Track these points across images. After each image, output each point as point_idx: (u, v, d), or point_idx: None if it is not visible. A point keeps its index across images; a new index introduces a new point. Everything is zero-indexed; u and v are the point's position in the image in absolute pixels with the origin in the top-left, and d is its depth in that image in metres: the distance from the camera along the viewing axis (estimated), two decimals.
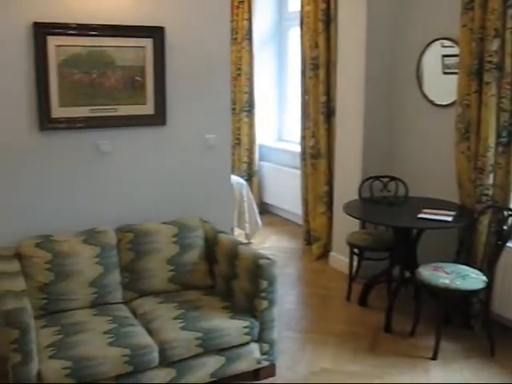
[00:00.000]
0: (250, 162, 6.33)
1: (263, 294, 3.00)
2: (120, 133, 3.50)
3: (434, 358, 3.30)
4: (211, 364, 2.91)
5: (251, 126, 6.27)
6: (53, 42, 3.23)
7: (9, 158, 3.23)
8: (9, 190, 3.25)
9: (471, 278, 3.30)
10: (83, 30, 3.31)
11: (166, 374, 2.80)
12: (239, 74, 6.19)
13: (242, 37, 6.10)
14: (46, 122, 3.27)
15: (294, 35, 5.83)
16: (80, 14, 3.28)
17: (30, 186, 3.29)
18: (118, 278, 3.21)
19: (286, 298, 4.12)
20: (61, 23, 3.22)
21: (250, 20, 6.04)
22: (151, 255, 3.28)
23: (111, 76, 3.44)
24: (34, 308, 2.86)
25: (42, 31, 3.18)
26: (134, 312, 3.10)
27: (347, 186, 4.40)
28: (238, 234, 5.19)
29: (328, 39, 4.74)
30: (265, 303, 3.01)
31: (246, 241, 5.20)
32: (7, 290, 2.68)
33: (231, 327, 2.94)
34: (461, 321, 3.65)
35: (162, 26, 3.49)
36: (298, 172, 5.32)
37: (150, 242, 3.29)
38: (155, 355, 2.74)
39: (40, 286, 3.00)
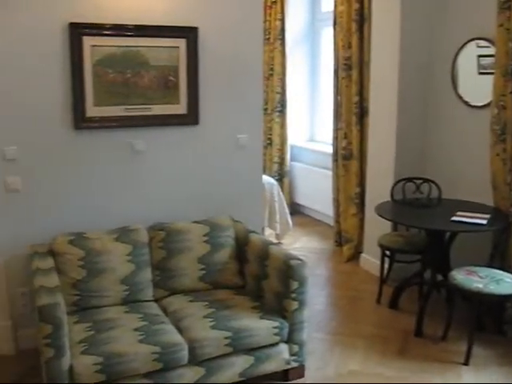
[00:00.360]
0: (282, 162, 6.33)
1: (293, 295, 3.00)
2: (153, 132, 3.54)
3: (466, 363, 3.24)
4: (240, 364, 2.91)
5: (283, 126, 6.27)
6: (88, 42, 3.28)
7: (44, 157, 3.29)
8: (45, 188, 3.30)
9: (505, 283, 3.24)
10: (118, 30, 3.35)
11: (195, 372, 2.82)
12: (271, 74, 6.19)
13: (274, 37, 6.11)
14: (80, 121, 3.31)
15: (327, 35, 5.81)
16: (114, 15, 3.32)
17: (64, 185, 3.36)
18: (149, 275, 3.24)
19: (316, 300, 4.10)
20: (96, 24, 3.27)
21: (282, 20, 6.05)
22: (182, 254, 3.30)
23: (145, 76, 3.47)
24: (67, 304, 2.90)
25: (78, 31, 3.24)
26: (164, 310, 3.13)
27: (379, 187, 4.36)
28: (269, 234, 5.19)
29: (361, 39, 4.70)
30: (295, 304, 3.01)
31: (276, 241, 5.19)
32: (41, 286, 2.72)
33: (261, 327, 2.94)
34: (494, 326, 3.59)
35: (196, 26, 3.49)
36: (330, 173, 5.29)
37: (181, 240, 3.31)
38: (185, 353, 2.76)
39: (73, 282, 3.04)
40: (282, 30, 6.06)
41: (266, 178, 5.04)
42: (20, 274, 3.29)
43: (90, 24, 3.25)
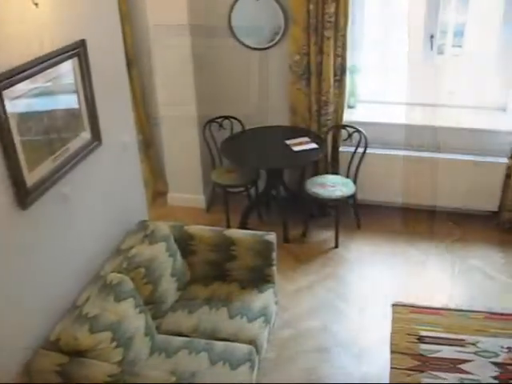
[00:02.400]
0: None
1: (273, 262, 3.58)
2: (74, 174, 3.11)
3: (337, 246, 4.56)
4: None
5: None
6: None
7: None
8: None
9: (348, 184, 4.53)
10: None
11: None
12: None
13: None
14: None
15: None
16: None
17: None
18: None
19: None
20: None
21: None
22: (162, 277, 3.46)
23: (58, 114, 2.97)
24: None
25: None
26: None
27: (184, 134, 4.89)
28: None
29: None
30: (275, 269, 3.67)
31: None
32: None
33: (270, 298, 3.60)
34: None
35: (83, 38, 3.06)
36: None
37: (155, 266, 3.40)
38: None
39: None
40: None
41: None
42: None
43: None
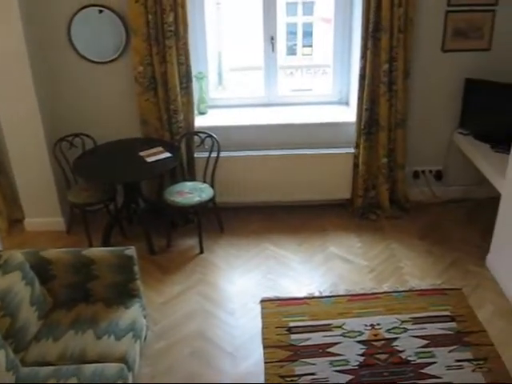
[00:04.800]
0: None
1: (136, 276, 3.53)
2: None
3: (202, 251, 4.59)
4: None
5: None
6: None
7: None
8: None
9: (205, 189, 4.57)
10: None
11: None
12: None
13: None
14: None
15: None
16: None
17: None
18: None
19: None
20: None
21: None
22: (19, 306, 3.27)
23: None
24: None
25: None
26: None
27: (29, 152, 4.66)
28: None
29: None
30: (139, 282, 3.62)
31: None
32: None
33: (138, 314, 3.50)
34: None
35: None
36: None
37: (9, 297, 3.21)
38: None
39: None
40: None
41: None
42: None
43: None
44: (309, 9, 8.11)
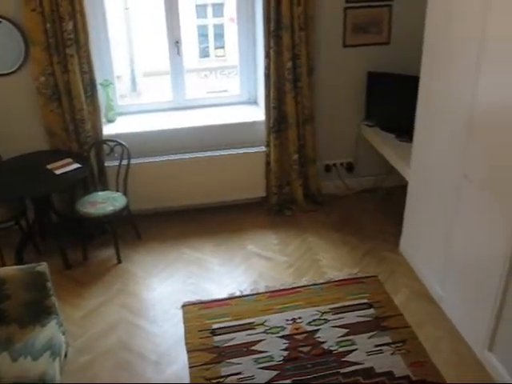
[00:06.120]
0: None
1: (50, 292, 3.40)
2: None
3: (120, 261, 4.50)
4: None
5: None
6: None
7: None
8: None
9: (119, 198, 4.49)
10: None
11: None
12: None
13: None
14: None
15: None
16: None
17: None
18: None
19: None
20: None
21: None
22: None
23: None
24: None
25: None
26: None
27: None
28: None
29: None
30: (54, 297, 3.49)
31: None
32: None
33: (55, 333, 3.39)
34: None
35: None
36: None
37: None
38: None
39: None
40: None
41: None
42: None
43: None
44: (219, 10, 8.15)
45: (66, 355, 3.47)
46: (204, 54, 8.04)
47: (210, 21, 8.15)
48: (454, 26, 3.44)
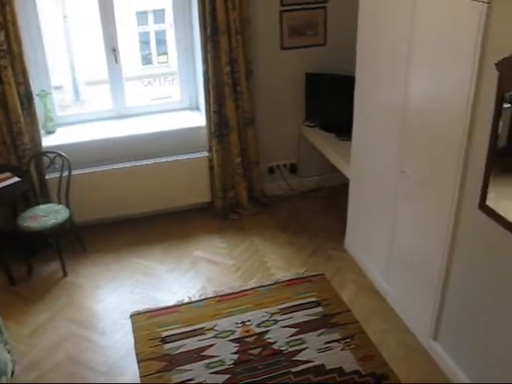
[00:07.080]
0: None
1: None
2: None
3: (66, 274, 4.43)
4: None
5: None
6: None
7: None
8: None
9: (61, 210, 4.41)
10: None
11: None
12: None
13: None
14: None
15: None
16: None
17: None
18: None
19: None
20: None
21: None
22: None
23: None
24: None
25: None
26: None
27: None
28: None
29: None
30: None
31: None
32: None
33: None
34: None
35: None
36: None
37: None
38: None
39: None
40: None
41: None
42: None
43: None
44: (160, 17, 8.08)
45: (12, 373, 3.41)
46: (147, 61, 7.96)
47: (152, 27, 8.08)
48: (384, 26, 3.54)
